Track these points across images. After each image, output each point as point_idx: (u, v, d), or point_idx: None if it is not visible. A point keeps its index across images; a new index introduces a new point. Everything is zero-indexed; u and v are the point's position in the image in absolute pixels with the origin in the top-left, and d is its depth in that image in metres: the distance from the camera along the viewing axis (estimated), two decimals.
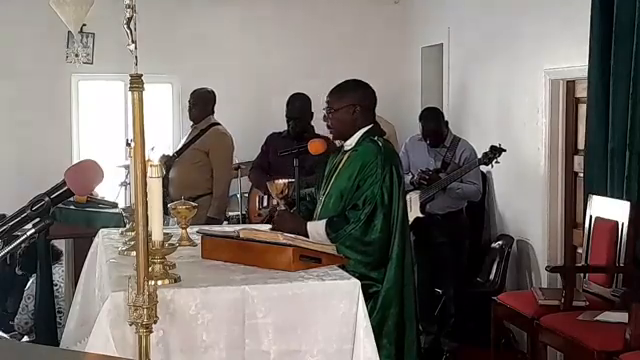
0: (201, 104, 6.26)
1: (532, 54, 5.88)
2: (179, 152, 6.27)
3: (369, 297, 3.48)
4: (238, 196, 6.87)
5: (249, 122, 6.58)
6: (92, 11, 6.68)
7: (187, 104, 6.39)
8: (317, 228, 3.66)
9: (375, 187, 3.63)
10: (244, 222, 6.41)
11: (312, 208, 3.98)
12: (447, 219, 5.78)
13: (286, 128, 5.97)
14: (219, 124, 6.27)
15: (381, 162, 3.67)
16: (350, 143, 3.83)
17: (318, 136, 5.74)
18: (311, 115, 5.92)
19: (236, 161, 6.70)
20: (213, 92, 6.36)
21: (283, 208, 3.84)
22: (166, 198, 4.11)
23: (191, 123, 6.35)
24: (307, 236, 3.55)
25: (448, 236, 5.75)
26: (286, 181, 3.84)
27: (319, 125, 4.60)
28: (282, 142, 5.91)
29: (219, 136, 6.19)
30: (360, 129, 3.81)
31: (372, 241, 3.60)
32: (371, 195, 3.63)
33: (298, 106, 5.92)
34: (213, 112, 6.30)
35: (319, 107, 4.16)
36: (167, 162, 6.12)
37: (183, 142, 6.40)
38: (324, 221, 3.68)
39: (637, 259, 4.59)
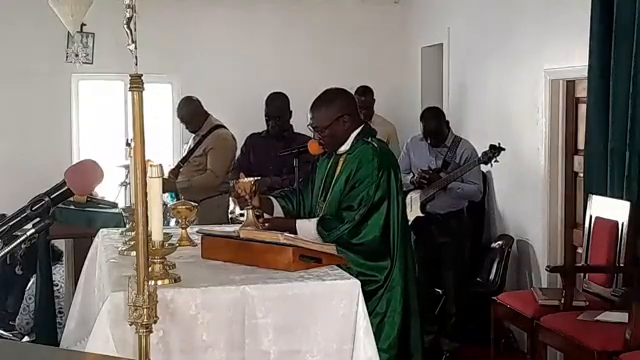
0: (194, 119, 6.21)
1: (532, 54, 5.87)
2: (183, 160, 6.26)
3: (367, 295, 3.48)
4: None
5: (249, 122, 6.56)
6: (92, 11, 6.68)
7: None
8: (308, 227, 3.65)
9: (371, 189, 3.64)
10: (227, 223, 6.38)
11: (284, 205, 3.95)
12: (448, 219, 5.77)
13: (266, 128, 5.96)
14: (221, 126, 6.22)
15: (377, 163, 3.68)
16: (344, 147, 3.82)
17: (298, 135, 5.76)
18: (290, 113, 5.91)
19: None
20: (195, 99, 6.27)
21: (254, 205, 3.72)
22: None
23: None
24: (296, 234, 3.54)
25: (449, 236, 5.75)
26: (252, 179, 3.76)
27: (302, 124, 4.52)
28: (262, 142, 5.90)
29: (220, 140, 6.14)
30: (352, 133, 3.80)
31: (365, 242, 3.61)
32: (367, 196, 3.63)
33: (277, 105, 5.90)
34: (208, 113, 6.24)
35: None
36: (174, 172, 6.13)
37: (187, 149, 6.37)
38: (315, 220, 3.68)
39: (637, 259, 4.59)
